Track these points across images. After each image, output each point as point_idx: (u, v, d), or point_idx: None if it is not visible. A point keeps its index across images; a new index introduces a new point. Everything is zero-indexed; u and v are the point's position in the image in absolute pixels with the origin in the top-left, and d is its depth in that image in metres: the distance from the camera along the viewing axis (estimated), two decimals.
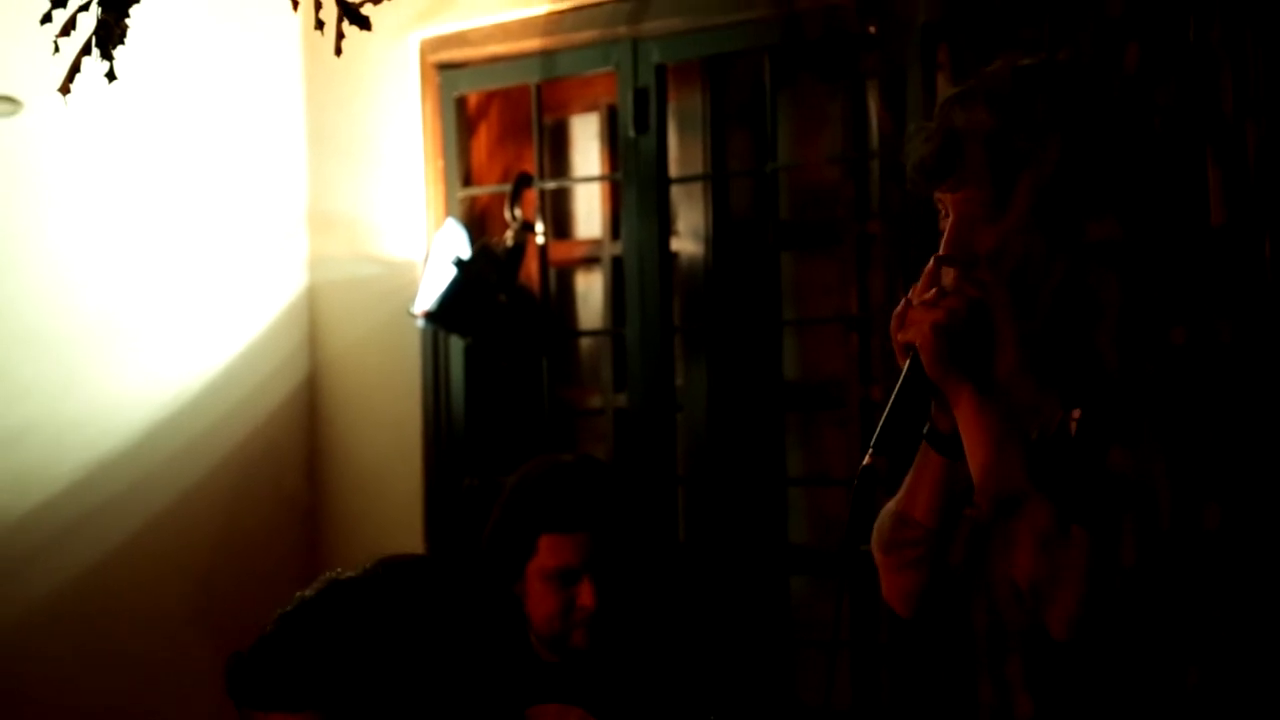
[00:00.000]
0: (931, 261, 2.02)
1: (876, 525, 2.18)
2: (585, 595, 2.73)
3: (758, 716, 3.61)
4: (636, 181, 3.98)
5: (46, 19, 2.15)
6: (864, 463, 1.99)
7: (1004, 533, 1.87)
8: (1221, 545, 1.80)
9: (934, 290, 1.99)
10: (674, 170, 4.05)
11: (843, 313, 3.84)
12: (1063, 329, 1.93)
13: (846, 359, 3.80)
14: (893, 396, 2.01)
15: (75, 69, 2.17)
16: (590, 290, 4.49)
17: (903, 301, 2.01)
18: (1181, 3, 2.22)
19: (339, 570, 1.87)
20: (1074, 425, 1.97)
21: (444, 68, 4.29)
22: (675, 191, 4.09)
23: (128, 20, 2.17)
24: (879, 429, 2.01)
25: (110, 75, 2.17)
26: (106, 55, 2.16)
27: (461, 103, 4.31)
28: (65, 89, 2.18)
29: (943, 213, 2.03)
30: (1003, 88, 1.95)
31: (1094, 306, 1.87)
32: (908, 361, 2.01)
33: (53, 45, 2.17)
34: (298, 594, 1.84)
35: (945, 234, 2.01)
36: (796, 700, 3.91)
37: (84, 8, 2.16)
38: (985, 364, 1.95)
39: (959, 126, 1.96)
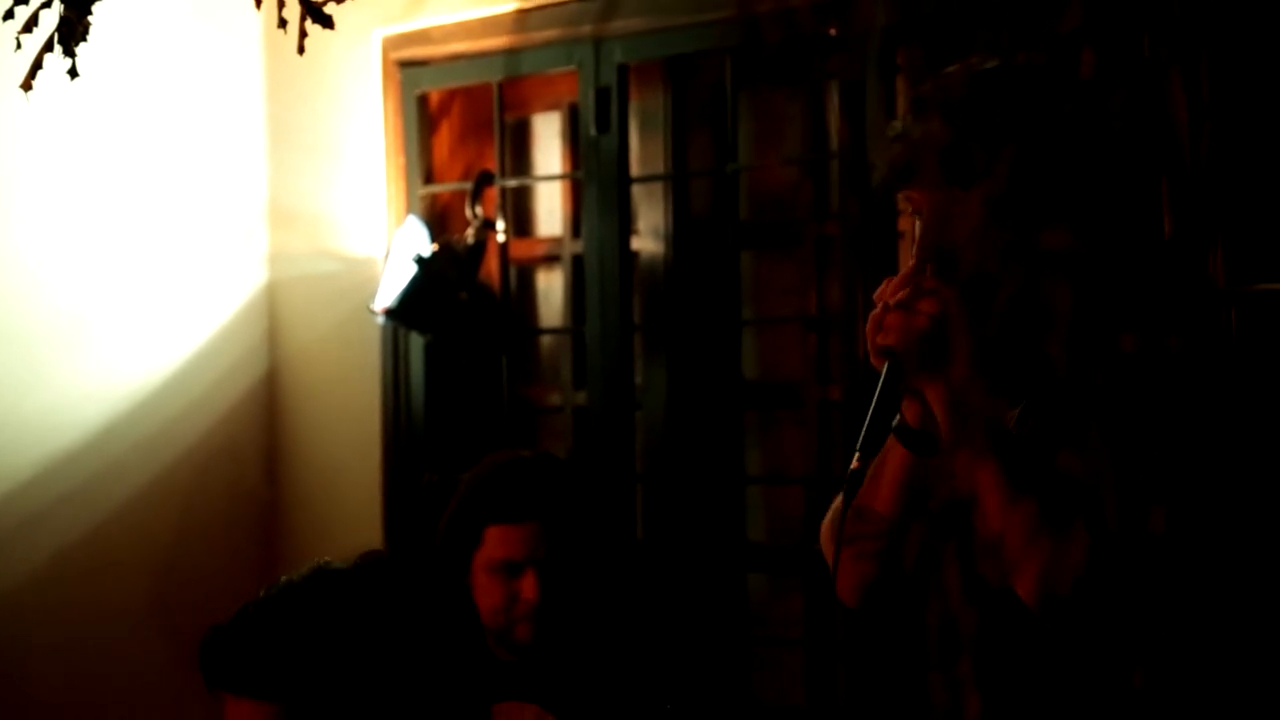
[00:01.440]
0: (913, 261, 2.03)
1: (827, 519, 2.19)
2: (528, 588, 2.70)
3: (714, 713, 3.63)
4: (597, 180, 4.00)
5: (9, 15, 2.16)
6: (852, 467, 2.01)
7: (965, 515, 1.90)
8: (1167, 548, 1.83)
9: (907, 291, 1.99)
10: (635, 170, 4.06)
11: (801, 313, 3.86)
12: (1015, 335, 1.95)
13: (805, 359, 3.83)
14: (874, 400, 2.02)
15: (37, 66, 2.18)
16: (551, 288, 4.50)
17: (880, 305, 2.01)
18: (1137, 15, 2.25)
19: (327, 560, 1.87)
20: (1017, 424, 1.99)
21: (406, 65, 4.29)
22: (636, 191, 4.11)
23: (90, 17, 2.18)
24: (863, 432, 2.02)
25: (72, 72, 2.17)
26: (69, 52, 2.17)
27: (423, 100, 4.31)
28: (27, 86, 2.19)
29: (910, 210, 2.05)
30: (958, 95, 1.98)
31: (1046, 314, 1.89)
32: (886, 365, 2.01)
33: (15, 42, 2.17)
34: (283, 578, 1.85)
35: (919, 233, 2.03)
36: (753, 697, 3.93)
37: (46, 4, 2.16)
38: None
39: (915, 137, 1.99)
